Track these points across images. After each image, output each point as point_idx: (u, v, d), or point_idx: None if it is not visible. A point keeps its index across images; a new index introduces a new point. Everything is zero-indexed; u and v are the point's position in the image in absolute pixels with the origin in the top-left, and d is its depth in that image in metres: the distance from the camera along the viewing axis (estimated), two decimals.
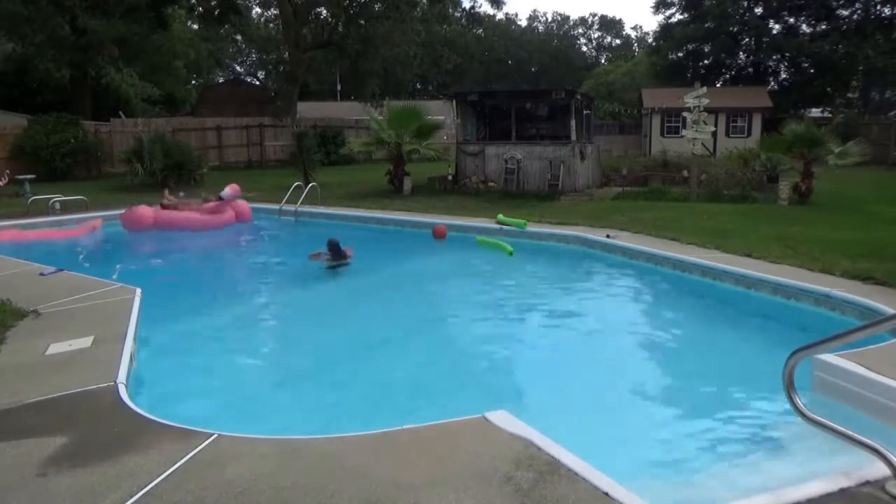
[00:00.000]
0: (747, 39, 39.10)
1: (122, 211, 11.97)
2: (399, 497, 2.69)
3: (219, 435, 3.27)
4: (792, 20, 38.58)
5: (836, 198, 14.05)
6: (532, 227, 10.59)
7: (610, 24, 79.41)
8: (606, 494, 2.66)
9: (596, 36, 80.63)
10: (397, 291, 8.30)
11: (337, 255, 8.57)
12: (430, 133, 17.43)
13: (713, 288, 7.36)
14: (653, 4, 41.37)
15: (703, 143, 17.21)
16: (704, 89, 14.98)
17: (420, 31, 30.29)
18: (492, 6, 34.51)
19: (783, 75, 40.52)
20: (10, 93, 27.42)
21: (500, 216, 11.27)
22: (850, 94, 40.34)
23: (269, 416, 4.49)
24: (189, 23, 37.45)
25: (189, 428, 3.37)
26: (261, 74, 59.27)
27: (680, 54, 40.56)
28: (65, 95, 27.17)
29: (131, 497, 2.73)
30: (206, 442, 3.20)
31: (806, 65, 37.60)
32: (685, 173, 17.00)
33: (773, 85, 38.27)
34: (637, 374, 5.37)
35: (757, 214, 11.75)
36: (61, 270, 7.29)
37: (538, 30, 78.54)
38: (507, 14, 78.47)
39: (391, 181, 16.72)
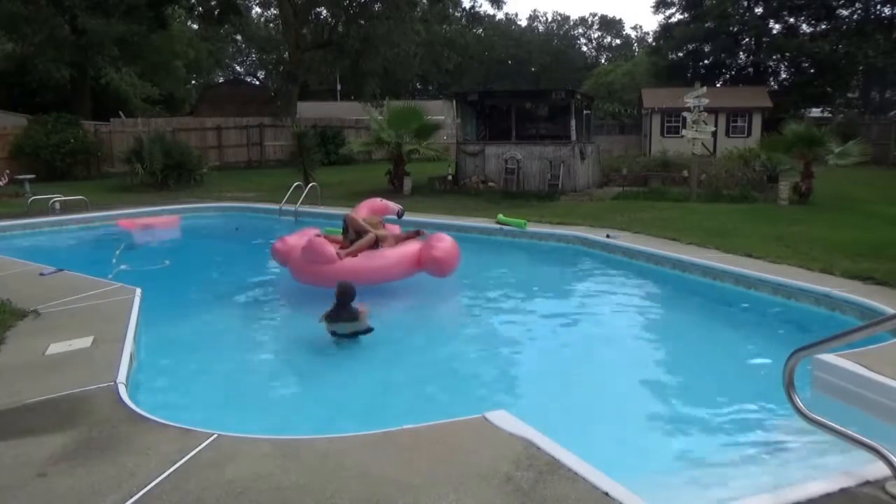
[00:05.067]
0: (747, 39, 39.08)
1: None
2: (399, 497, 2.69)
3: (218, 435, 3.27)
4: (792, 20, 38.55)
5: (836, 198, 14.03)
6: (532, 227, 10.58)
7: (610, 24, 79.36)
8: (606, 494, 2.66)
9: (596, 36, 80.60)
10: (395, 291, 8.27)
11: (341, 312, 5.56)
12: (430, 133, 17.43)
13: (713, 288, 7.36)
14: (653, 4, 41.39)
15: (703, 143, 17.19)
16: (704, 89, 14.96)
17: (420, 30, 30.28)
18: (492, 6, 34.59)
19: (783, 75, 40.53)
20: (10, 93, 27.38)
21: (500, 216, 11.26)
22: (850, 94, 40.37)
23: (271, 416, 4.49)
24: (189, 23, 37.42)
25: (189, 428, 3.37)
26: (261, 74, 59.26)
27: (680, 54, 40.55)
28: (65, 95, 27.13)
29: (131, 497, 2.73)
30: (206, 442, 3.20)
31: (806, 65, 37.58)
32: (685, 173, 16.99)
33: (773, 85, 38.22)
34: (637, 373, 5.35)
35: (757, 214, 11.74)
36: (61, 270, 7.29)
37: (538, 30, 78.50)
38: (507, 14, 78.67)
39: (391, 181, 16.71)
